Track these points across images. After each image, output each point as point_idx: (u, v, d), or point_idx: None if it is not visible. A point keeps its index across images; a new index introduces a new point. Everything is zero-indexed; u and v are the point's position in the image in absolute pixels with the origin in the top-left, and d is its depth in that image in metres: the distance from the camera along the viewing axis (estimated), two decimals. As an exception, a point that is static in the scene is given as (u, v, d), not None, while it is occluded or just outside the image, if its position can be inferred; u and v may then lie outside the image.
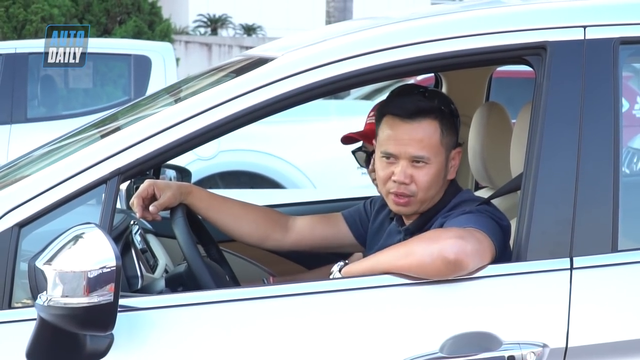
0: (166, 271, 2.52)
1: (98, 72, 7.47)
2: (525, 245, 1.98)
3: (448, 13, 2.22)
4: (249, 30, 21.56)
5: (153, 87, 6.87)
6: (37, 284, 1.77)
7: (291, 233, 2.56)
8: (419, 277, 1.94)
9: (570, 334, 1.93)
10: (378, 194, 2.54)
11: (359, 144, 2.94)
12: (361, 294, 1.96)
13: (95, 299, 1.74)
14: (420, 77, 6.70)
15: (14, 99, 6.83)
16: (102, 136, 2.14)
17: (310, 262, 2.95)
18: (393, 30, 2.13)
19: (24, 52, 6.99)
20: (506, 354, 1.91)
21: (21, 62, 6.92)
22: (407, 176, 2.22)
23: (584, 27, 2.05)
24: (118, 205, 2.72)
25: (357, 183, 6.46)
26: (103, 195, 1.93)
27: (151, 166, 2.13)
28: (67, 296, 1.73)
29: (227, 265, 2.50)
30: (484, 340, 1.92)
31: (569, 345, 1.93)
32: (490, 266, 1.97)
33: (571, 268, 1.97)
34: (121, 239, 2.60)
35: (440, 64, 2.10)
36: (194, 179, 3.63)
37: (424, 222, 2.28)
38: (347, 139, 2.90)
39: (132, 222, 2.76)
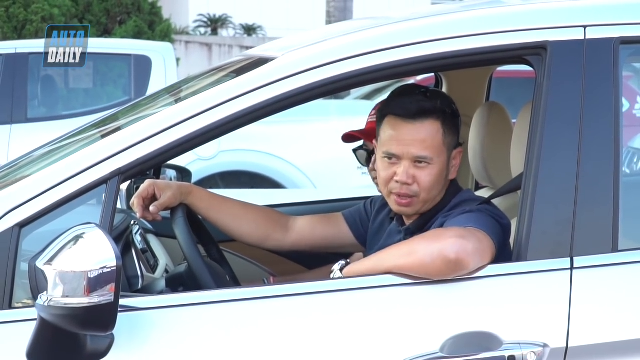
0: (167, 271, 2.52)
1: (98, 72, 7.47)
2: (525, 245, 1.98)
3: (448, 13, 2.22)
4: (249, 30, 21.57)
5: (153, 87, 6.87)
6: (37, 284, 1.77)
7: (291, 233, 2.56)
8: (419, 277, 1.94)
9: (571, 333, 1.93)
10: (378, 194, 2.54)
11: (360, 142, 2.94)
12: (361, 294, 1.96)
13: (95, 299, 1.74)
14: (420, 77, 6.70)
15: (14, 99, 6.83)
16: (103, 136, 2.14)
17: (311, 262, 2.95)
18: (393, 30, 2.13)
19: (24, 52, 6.99)
20: (506, 353, 1.91)
21: (21, 62, 6.92)
22: (409, 177, 2.22)
23: (584, 27, 2.05)
24: (118, 206, 2.72)
25: (357, 183, 6.47)
26: (103, 195, 1.94)
27: (151, 166, 2.13)
28: (67, 296, 1.73)
29: (228, 265, 2.50)
30: (485, 340, 1.92)
31: (569, 345, 1.93)
32: (490, 266, 1.98)
33: (572, 268, 1.97)
34: (122, 239, 2.60)
35: (441, 64, 2.10)
36: (194, 179, 3.63)
37: (425, 222, 2.28)
38: (348, 137, 2.90)
39: (132, 222, 2.76)
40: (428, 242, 1.95)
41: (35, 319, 1.79)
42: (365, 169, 2.90)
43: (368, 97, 8.94)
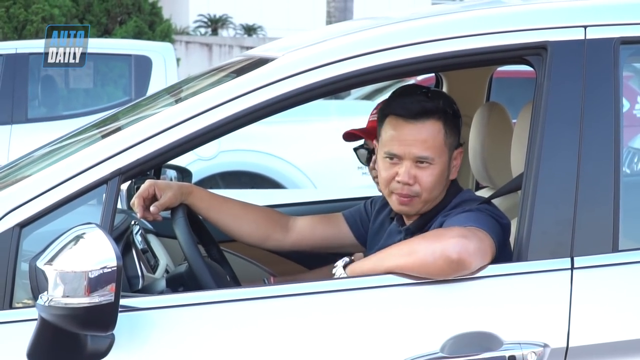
0: (167, 271, 2.52)
1: (99, 73, 7.47)
2: (526, 245, 1.98)
3: (448, 13, 2.22)
4: (250, 30, 21.56)
5: (154, 87, 6.87)
6: (38, 284, 1.77)
7: (292, 233, 2.56)
8: (420, 277, 1.94)
9: (571, 333, 1.93)
10: (379, 194, 2.54)
11: (361, 142, 2.94)
12: (362, 294, 1.96)
13: (96, 299, 1.74)
14: (420, 77, 6.70)
15: (14, 99, 6.83)
16: (103, 136, 2.14)
17: (311, 262, 2.95)
18: (394, 31, 2.13)
19: (25, 53, 6.99)
20: (507, 354, 1.91)
21: (22, 63, 6.92)
22: (411, 177, 2.22)
23: (585, 27, 2.05)
24: (119, 206, 2.72)
25: (357, 183, 6.47)
26: (104, 195, 1.94)
27: (152, 166, 2.13)
28: (68, 296, 1.74)
29: (228, 266, 2.50)
30: (485, 340, 1.92)
31: (569, 345, 1.93)
32: (491, 266, 1.98)
33: (572, 268, 1.97)
34: (122, 239, 2.60)
35: (441, 64, 2.10)
36: (194, 179, 3.63)
37: (425, 222, 2.28)
38: (348, 136, 2.90)
39: (132, 222, 2.76)
40: (430, 242, 1.95)
41: (35, 319, 1.79)
42: (366, 169, 2.90)
43: (368, 97, 8.94)
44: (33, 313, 1.81)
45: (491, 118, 2.66)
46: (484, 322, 1.93)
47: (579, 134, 2.00)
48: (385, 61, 2.03)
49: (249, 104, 2.00)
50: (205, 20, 21.49)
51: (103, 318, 1.76)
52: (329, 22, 16.57)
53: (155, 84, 6.87)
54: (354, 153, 2.96)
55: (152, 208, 2.37)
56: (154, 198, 2.39)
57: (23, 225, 1.90)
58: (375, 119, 2.39)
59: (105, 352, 1.83)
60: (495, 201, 2.30)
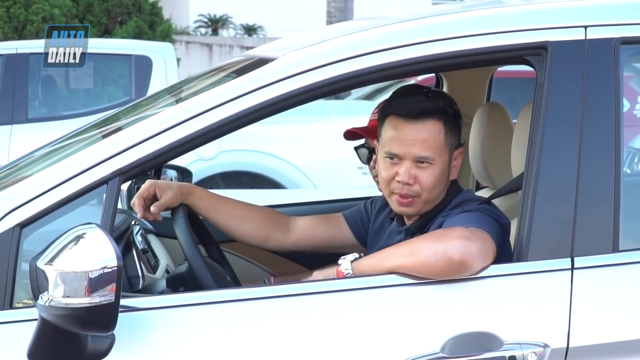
0: (167, 271, 2.52)
1: (99, 73, 7.47)
2: (526, 246, 1.98)
3: (449, 13, 2.22)
4: (250, 30, 21.56)
5: (154, 87, 6.87)
6: (38, 284, 1.77)
7: (292, 233, 2.56)
8: (421, 277, 1.94)
9: (572, 334, 1.93)
10: (379, 194, 2.54)
11: (361, 141, 2.94)
12: (362, 294, 1.96)
13: (96, 299, 1.74)
14: (420, 77, 6.70)
15: (15, 99, 6.83)
16: (103, 136, 2.14)
17: (311, 262, 2.94)
18: (394, 31, 2.13)
19: (25, 53, 6.99)
20: (507, 354, 1.91)
21: (22, 63, 6.92)
22: (411, 177, 2.22)
23: (585, 27, 2.05)
24: (119, 206, 2.72)
25: (357, 183, 6.47)
26: (104, 195, 1.94)
27: (152, 166, 2.13)
28: (68, 296, 1.74)
29: (228, 266, 2.50)
30: (485, 341, 1.92)
31: (570, 346, 1.93)
32: (491, 266, 1.97)
33: (572, 268, 1.97)
34: (122, 239, 2.60)
35: (441, 64, 2.10)
36: (194, 179, 3.63)
37: (425, 222, 2.28)
38: (349, 134, 2.89)
39: (133, 223, 2.76)
40: (432, 242, 1.95)
41: (36, 319, 1.79)
42: (366, 169, 2.90)
43: (368, 97, 8.94)
44: (33, 313, 1.81)
45: (491, 118, 2.66)
46: (484, 322, 1.93)
47: (580, 134, 2.00)
48: (386, 61, 2.03)
49: (250, 104, 2.00)
50: (206, 20, 21.49)
51: (103, 318, 1.76)
52: (329, 22, 16.56)
53: (156, 84, 6.87)
54: (355, 152, 2.96)
55: (152, 208, 2.37)
56: (154, 198, 2.39)
57: (23, 225, 1.90)
58: (376, 117, 2.39)
59: (106, 352, 1.83)
60: (495, 201, 2.30)
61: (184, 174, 3.26)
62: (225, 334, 1.90)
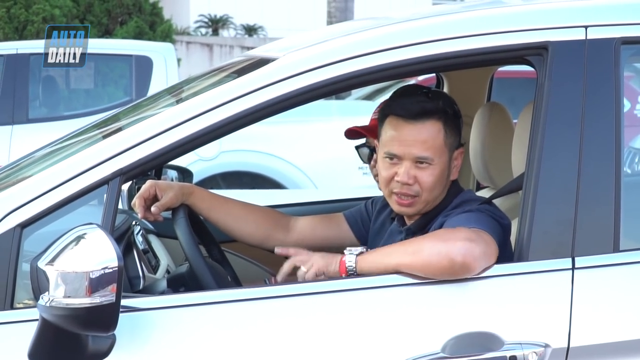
0: (168, 272, 2.52)
1: (99, 73, 7.47)
2: (527, 245, 1.98)
3: (449, 13, 2.22)
4: (250, 30, 21.56)
5: (154, 87, 6.87)
6: (39, 285, 1.77)
7: (292, 233, 2.56)
8: (422, 276, 1.94)
9: (572, 334, 1.93)
10: (379, 194, 2.54)
11: (362, 140, 2.94)
12: (362, 294, 1.96)
13: (97, 299, 1.74)
14: (421, 77, 6.70)
15: (15, 100, 6.83)
16: (104, 137, 2.14)
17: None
18: (395, 31, 2.13)
19: (26, 53, 6.99)
20: (508, 354, 1.91)
21: (22, 63, 6.92)
22: (410, 177, 2.22)
23: (586, 27, 2.05)
24: (120, 206, 2.72)
25: (358, 183, 6.47)
26: (105, 195, 1.94)
27: (153, 167, 2.13)
28: (69, 297, 1.74)
29: (229, 266, 2.50)
30: (486, 341, 1.92)
31: (570, 345, 1.93)
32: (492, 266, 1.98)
33: (573, 268, 1.97)
34: (123, 239, 2.60)
35: (442, 64, 2.10)
36: (195, 179, 3.63)
37: (426, 222, 2.28)
38: (351, 133, 2.89)
39: (133, 223, 2.76)
40: (436, 242, 1.95)
41: (36, 320, 1.79)
42: (366, 169, 2.90)
43: (369, 97, 8.94)
44: (34, 313, 1.81)
45: (492, 118, 2.66)
46: (485, 322, 1.93)
47: (580, 134, 2.00)
48: (386, 61, 2.03)
49: (250, 104, 2.00)
50: (206, 20, 21.49)
51: (104, 318, 1.76)
52: (329, 22, 16.57)
53: (156, 85, 6.87)
54: (356, 151, 2.96)
55: (153, 208, 2.37)
56: (155, 198, 2.39)
57: (24, 225, 1.90)
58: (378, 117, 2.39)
59: (107, 353, 1.83)
60: (496, 201, 2.30)
61: (185, 174, 3.26)
62: (226, 334, 1.90)
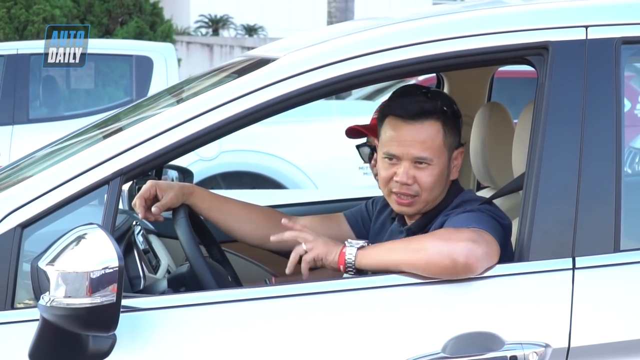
0: (168, 272, 2.52)
1: (100, 73, 7.48)
2: (527, 245, 1.98)
3: (450, 13, 2.22)
4: (251, 30, 21.57)
5: (155, 87, 6.87)
6: (39, 285, 1.77)
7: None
8: (424, 275, 1.94)
9: (573, 334, 1.93)
10: (380, 194, 2.54)
11: (363, 140, 2.94)
12: (363, 294, 1.96)
13: (97, 299, 1.74)
14: (422, 77, 6.70)
15: (16, 100, 6.83)
16: (105, 137, 2.14)
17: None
18: (395, 31, 2.13)
19: (26, 53, 6.99)
20: (508, 354, 1.91)
21: (23, 63, 6.93)
22: (409, 177, 2.22)
23: (586, 27, 2.05)
24: (120, 206, 2.72)
25: (358, 183, 6.47)
26: (105, 196, 1.94)
27: (153, 167, 2.13)
28: (69, 297, 1.74)
29: (229, 266, 2.50)
30: (486, 341, 1.92)
31: (571, 345, 1.93)
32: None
33: (573, 268, 1.97)
34: (123, 239, 2.60)
35: (442, 64, 2.10)
36: (195, 179, 3.63)
37: (426, 222, 2.28)
38: (351, 132, 2.89)
39: (134, 223, 2.76)
40: (439, 242, 1.95)
41: (37, 320, 1.80)
42: (367, 169, 2.90)
43: (369, 97, 8.94)
44: (35, 313, 1.81)
45: (492, 118, 2.66)
46: (485, 322, 1.93)
47: (581, 134, 2.00)
48: (387, 61, 2.03)
49: (250, 105, 2.00)
50: (206, 20, 21.50)
51: (105, 318, 1.76)
52: (330, 23, 16.56)
53: (157, 85, 6.87)
54: (357, 150, 2.96)
55: (153, 208, 2.37)
56: (155, 198, 2.39)
57: (25, 225, 1.90)
58: (378, 117, 2.39)
59: (107, 353, 1.83)
60: (496, 201, 2.30)
61: (185, 174, 3.26)
62: (226, 334, 1.90)
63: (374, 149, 2.81)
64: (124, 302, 1.84)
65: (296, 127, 6.94)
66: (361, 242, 2.06)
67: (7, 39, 10.17)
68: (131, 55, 7.14)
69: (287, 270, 2.12)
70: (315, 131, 7.02)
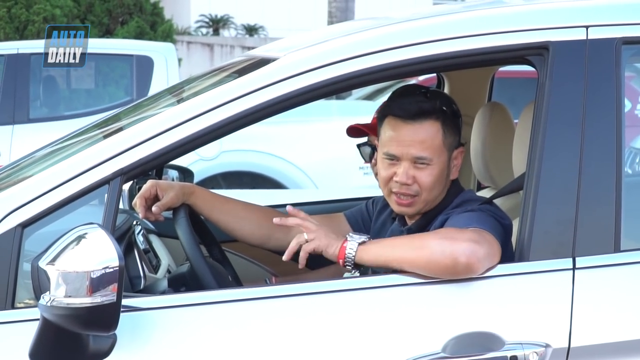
0: (169, 271, 2.52)
1: (100, 73, 7.48)
2: (527, 245, 1.98)
3: (450, 13, 2.22)
4: (251, 30, 21.57)
5: (155, 87, 6.87)
6: (40, 284, 1.77)
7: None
8: (425, 274, 1.94)
9: (573, 334, 1.93)
10: (380, 194, 2.54)
11: (364, 139, 2.94)
12: (363, 294, 1.96)
13: (98, 299, 1.74)
14: (422, 77, 6.70)
15: (16, 100, 6.83)
16: (105, 136, 2.14)
17: (313, 262, 2.95)
18: (395, 31, 2.13)
19: (26, 53, 6.99)
20: (509, 354, 1.91)
21: (23, 63, 6.93)
22: (409, 177, 2.22)
23: (587, 27, 2.05)
24: (121, 206, 2.72)
25: (358, 183, 6.47)
26: (106, 195, 1.94)
27: (154, 166, 2.13)
28: (70, 296, 1.74)
29: (230, 266, 2.50)
30: (487, 341, 1.92)
31: (571, 346, 1.93)
32: (492, 266, 1.98)
33: (574, 268, 1.97)
34: (124, 239, 2.60)
35: (443, 64, 2.10)
36: (196, 179, 3.63)
37: (427, 222, 2.28)
38: (352, 131, 2.89)
39: (134, 223, 2.76)
40: (441, 241, 1.95)
41: (37, 319, 1.80)
42: (367, 169, 2.90)
43: (369, 97, 8.95)
44: (35, 313, 1.82)
45: (493, 118, 2.66)
46: (485, 322, 1.93)
47: (581, 134, 2.00)
48: (387, 61, 2.03)
49: (251, 104, 2.00)
50: (207, 20, 21.50)
51: (105, 318, 1.76)
52: (330, 22, 16.55)
53: (157, 84, 6.87)
54: (358, 149, 2.96)
55: (154, 208, 2.37)
56: (155, 198, 2.39)
57: (25, 225, 1.90)
58: (379, 117, 2.39)
59: (107, 352, 1.83)
60: (497, 201, 2.30)
61: (186, 174, 3.26)
62: (227, 334, 1.90)
63: (375, 148, 2.81)
64: (125, 301, 1.84)
65: (296, 127, 6.94)
66: (363, 237, 2.06)
67: (7, 38, 10.17)
68: (132, 55, 7.14)
69: (285, 257, 2.11)
70: (316, 131, 7.02)
